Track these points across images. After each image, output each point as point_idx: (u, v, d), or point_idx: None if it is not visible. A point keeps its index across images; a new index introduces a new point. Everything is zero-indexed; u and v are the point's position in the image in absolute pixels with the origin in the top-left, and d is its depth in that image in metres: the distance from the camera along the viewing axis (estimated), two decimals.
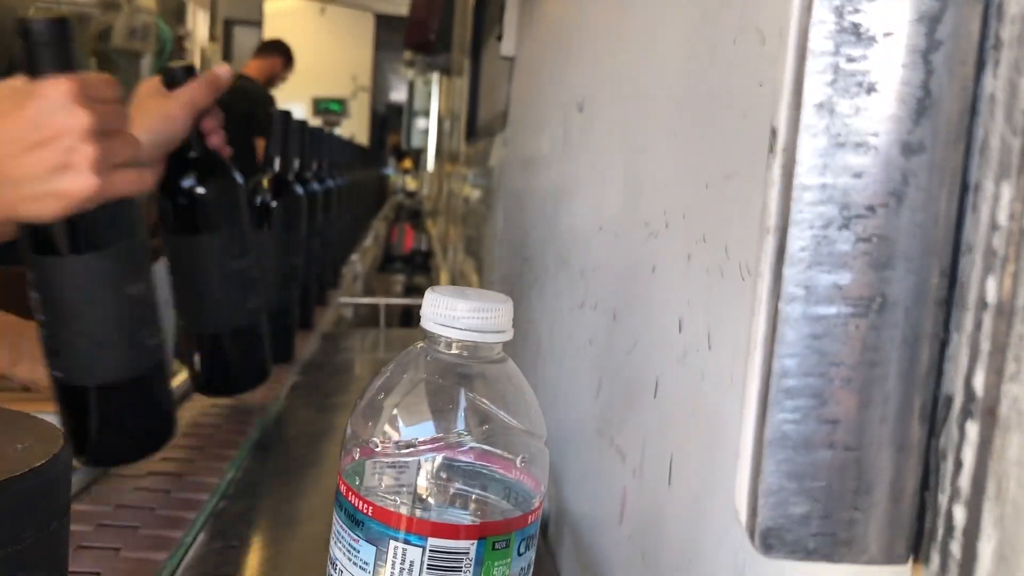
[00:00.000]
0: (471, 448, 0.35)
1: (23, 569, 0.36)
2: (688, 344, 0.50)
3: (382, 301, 1.71)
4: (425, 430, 0.35)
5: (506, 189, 1.56)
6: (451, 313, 0.36)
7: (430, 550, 0.34)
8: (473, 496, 0.35)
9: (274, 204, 1.27)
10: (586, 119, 0.85)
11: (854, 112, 0.19)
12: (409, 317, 1.94)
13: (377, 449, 0.35)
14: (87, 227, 0.68)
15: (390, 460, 0.35)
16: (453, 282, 2.04)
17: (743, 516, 0.20)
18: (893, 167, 0.19)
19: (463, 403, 0.36)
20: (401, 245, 3.96)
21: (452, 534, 0.34)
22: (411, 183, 4.51)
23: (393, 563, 0.34)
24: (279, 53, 3.94)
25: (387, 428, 0.35)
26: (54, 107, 0.65)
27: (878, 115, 0.19)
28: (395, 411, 0.36)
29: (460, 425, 0.35)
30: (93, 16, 2.87)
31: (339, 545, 0.36)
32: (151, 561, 0.64)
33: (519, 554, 0.36)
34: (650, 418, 0.56)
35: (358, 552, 0.35)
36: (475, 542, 0.34)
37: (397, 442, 0.35)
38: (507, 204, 1.52)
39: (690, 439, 0.49)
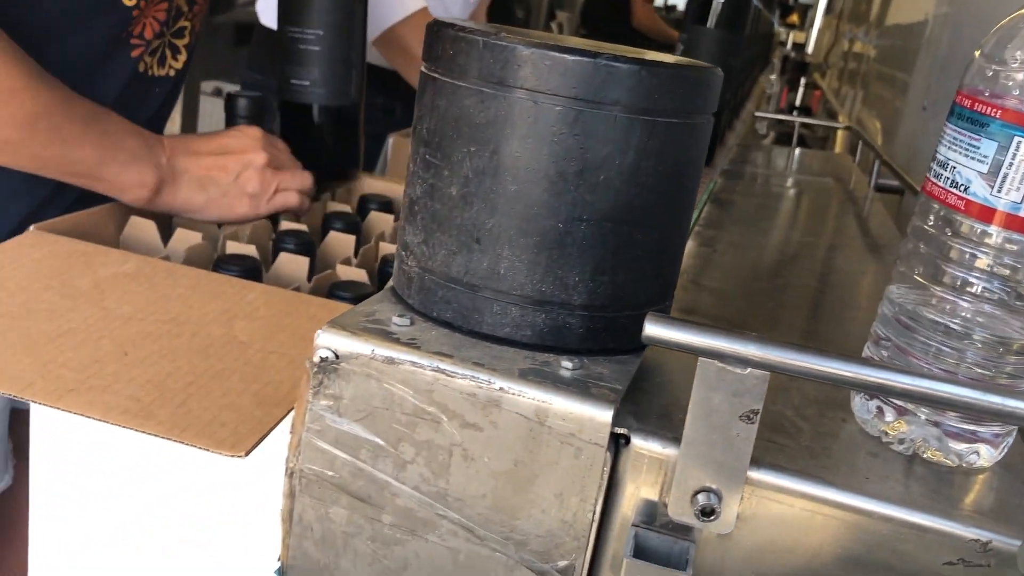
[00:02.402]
0: None
1: None
2: None
3: (797, 119, 1.74)
4: None
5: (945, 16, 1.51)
6: None
7: None
8: None
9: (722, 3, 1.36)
10: None
11: None
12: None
13: (1014, 65, 0.42)
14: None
15: (1020, 78, 0.42)
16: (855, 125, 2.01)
17: None
18: None
19: None
20: (776, 102, 3.88)
21: None
22: (798, 36, 4.40)
23: (1015, 155, 0.42)
24: None
25: (1018, 52, 0.42)
26: (243, 139, 0.91)
27: None
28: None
29: None
30: None
31: (955, 148, 0.44)
32: None
33: None
34: None
35: (978, 148, 0.43)
36: None
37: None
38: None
39: None
